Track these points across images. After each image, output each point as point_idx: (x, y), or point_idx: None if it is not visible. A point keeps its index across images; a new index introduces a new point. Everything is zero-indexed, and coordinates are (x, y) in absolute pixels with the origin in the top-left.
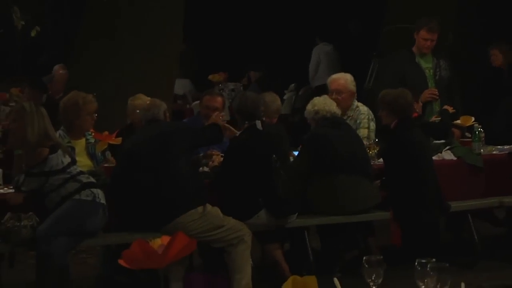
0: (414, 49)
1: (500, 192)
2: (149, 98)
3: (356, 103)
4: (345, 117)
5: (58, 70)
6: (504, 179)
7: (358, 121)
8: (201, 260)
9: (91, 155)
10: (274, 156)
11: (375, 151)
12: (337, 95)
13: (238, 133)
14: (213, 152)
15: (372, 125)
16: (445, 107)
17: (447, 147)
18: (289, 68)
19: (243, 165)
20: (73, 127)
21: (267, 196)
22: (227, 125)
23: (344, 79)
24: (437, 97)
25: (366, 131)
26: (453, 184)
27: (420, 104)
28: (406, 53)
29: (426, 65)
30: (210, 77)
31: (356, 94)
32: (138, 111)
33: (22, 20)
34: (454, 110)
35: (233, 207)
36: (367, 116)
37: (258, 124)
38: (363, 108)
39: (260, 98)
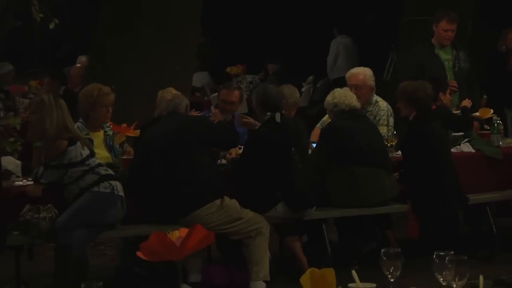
0: (433, 40)
1: None
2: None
3: (375, 97)
4: (364, 112)
5: (78, 62)
6: None
7: (377, 118)
8: (219, 252)
9: (109, 147)
10: (293, 149)
11: (394, 143)
12: (356, 90)
13: (258, 124)
14: None
15: (391, 120)
16: (464, 103)
17: (466, 140)
18: (307, 60)
19: (262, 158)
20: (89, 119)
21: (285, 189)
22: (248, 118)
23: (363, 74)
24: (457, 89)
25: (385, 128)
26: (471, 177)
27: (449, 96)
28: (425, 44)
29: (446, 56)
30: (228, 69)
31: (375, 89)
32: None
33: (41, 13)
34: (471, 103)
35: (251, 200)
36: (387, 112)
37: (278, 116)
38: (383, 104)
39: (281, 91)
